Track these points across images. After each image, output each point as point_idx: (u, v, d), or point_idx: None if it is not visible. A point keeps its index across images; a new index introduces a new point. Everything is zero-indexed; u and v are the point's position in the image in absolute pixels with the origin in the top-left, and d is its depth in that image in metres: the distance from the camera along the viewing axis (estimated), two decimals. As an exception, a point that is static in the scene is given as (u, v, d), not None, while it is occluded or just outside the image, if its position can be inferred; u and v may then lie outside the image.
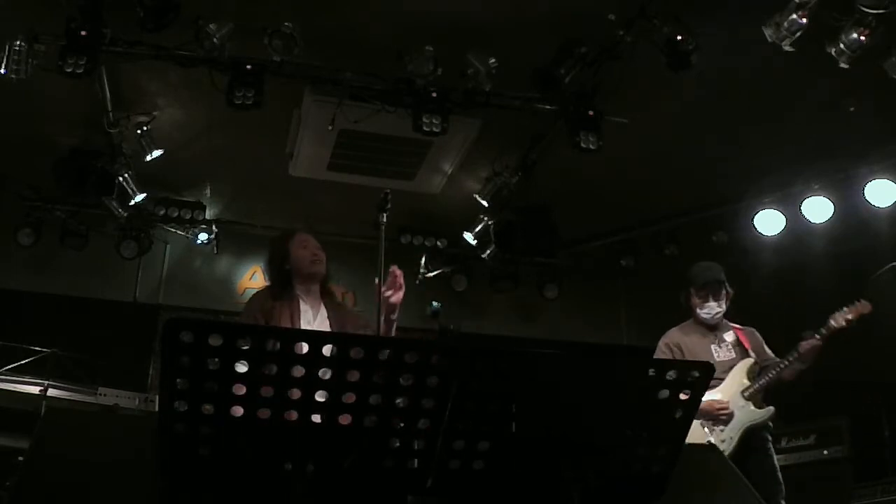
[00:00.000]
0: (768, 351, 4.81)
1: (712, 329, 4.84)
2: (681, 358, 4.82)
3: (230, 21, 5.22)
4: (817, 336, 4.54)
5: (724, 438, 4.56)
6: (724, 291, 4.82)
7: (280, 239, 3.93)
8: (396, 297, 3.50)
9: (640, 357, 9.28)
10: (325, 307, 3.77)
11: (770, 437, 4.68)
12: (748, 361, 4.68)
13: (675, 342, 4.91)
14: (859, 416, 6.64)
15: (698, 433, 4.61)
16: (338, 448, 2.23)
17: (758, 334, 4.86)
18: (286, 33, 5.24)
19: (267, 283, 3.97)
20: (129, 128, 6.48)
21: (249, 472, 2.23)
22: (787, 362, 4.60)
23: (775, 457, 4.67)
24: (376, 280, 3.46)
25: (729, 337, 4.81)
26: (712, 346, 4.81)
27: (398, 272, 3.52)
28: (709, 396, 4.67)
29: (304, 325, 3.65)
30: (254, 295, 3.95)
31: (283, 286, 3.78)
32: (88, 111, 6.38)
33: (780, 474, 4.58)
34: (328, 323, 3.70)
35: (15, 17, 5.23)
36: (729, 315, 4.88)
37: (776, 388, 4.69)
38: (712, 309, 4.79)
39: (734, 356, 4.73)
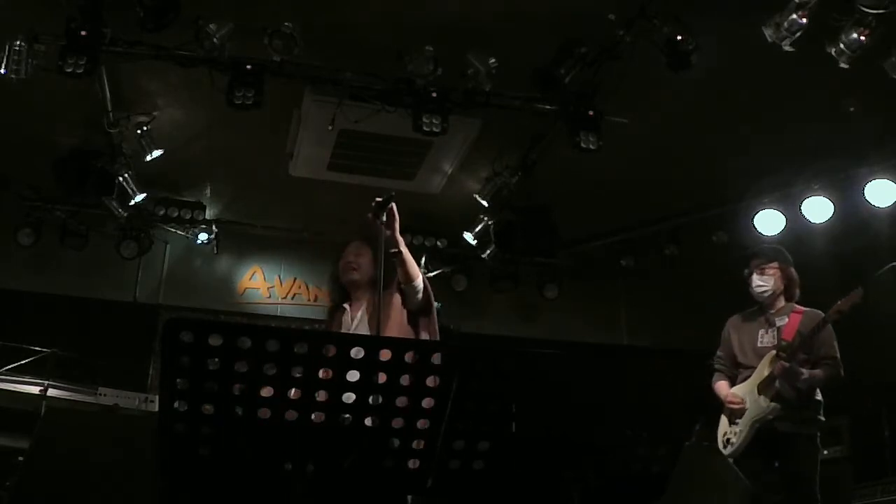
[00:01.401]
0: (823, 337, 4.46)
1: (767, 313, 4.65)
2: (728, 344, 4.76)
3: (230, 21, 5.22)
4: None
5: (736, 432, 4.45)
6: (769, 265, 4.64)
7: (339, 251, 3.98)
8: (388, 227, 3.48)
9: (640, 357, 9.32)
10: (367, 307, 3.73)
11: (807, 445, 4.37)
12: (772, 353, 4.46)
13: (728, 328, 4.80)
14: (859, 416, 6.64)
15: (724, 425, 4.57)
16: (338, 448, 2.23)
17: (821, 316, 4.51)
18: (286, 33, 5.24)
19: None
20: (129, 128, 6.47)
21: (249, 472, 2.23)
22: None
23: (811, 470, 4.35)
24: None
25: (781, 322, 4.57)
26: (760, 332, 4.62)
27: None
28: (735, 389, 4.62)
29: (344, 329, 3.69)
30: None
31: (337, 297, 3.89)
32: (88, 111, 6.37)
33: (815, 488, 4.32)
34: (366, 322, 3.68)
35: (15, 17, 5.23)
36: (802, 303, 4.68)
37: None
38: (754, 282, 4.64)
39: (777, 343, 4.52)
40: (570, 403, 2.30)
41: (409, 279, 3.60)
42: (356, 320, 3.71)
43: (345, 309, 3.77)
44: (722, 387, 4.65)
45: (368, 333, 3.59)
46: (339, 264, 3.86)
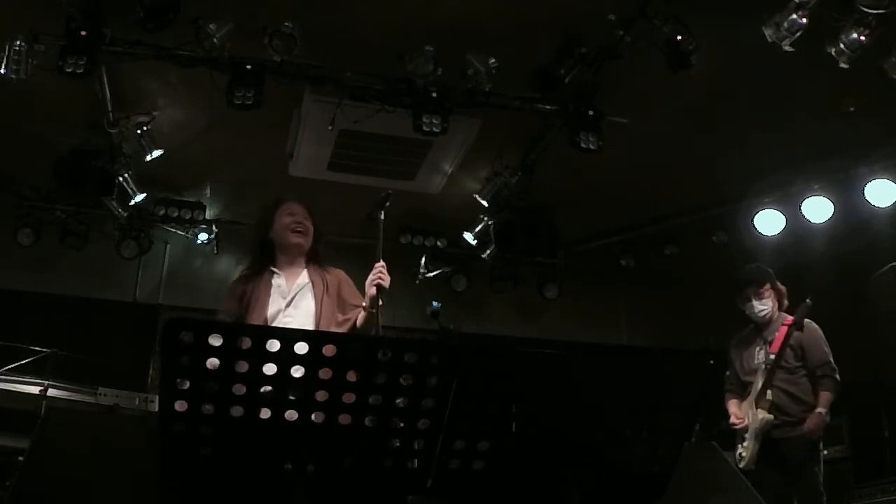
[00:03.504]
0: (810, 345, 4.63)
1: (763, 329, 4.83)
2: (732, 365, 4.96)
3: (230, 21, 5.22)
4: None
5: (745, 447, 4.65)
6: (763, 289, 4.80)
7: (266, 207, 3.80)
8: (372, 288, 3.38)
9: (640, 357, 9.30)
10: (309, 275, 3.61)
11: (808, 448, 4.56)
12: (763, 367, 4.67)
13: (731, 349, 4.99)
14: (859, 416, 6.63)
15: (738, 443, 4.74)
16: (338, 448, 2.23)
17: (807, 329, 4.69)
18: (286, 33, 5.23)
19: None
20: (129, 128, 6.47)
21: (249, 472, 2.23)
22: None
23: (812, 468, 4.56)
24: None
25: (772, 336, 4.76)
26: (756, 349, 4.81)
27: (380, 266, 3.43)
28: (738, 407, 4.75)
29: (275, 298, 3.51)
30: (229, 285, 3.79)
31: (259, 261, 3.68)
32: (88, 111, 6.37)
33: (819, 487, 4.53)
34: (309, 291, 3.55)
35: (15, 17, 5.23)
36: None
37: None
38: (754, 308, 4.82)
39: (767, 358, 4.72)
40: (570, 403, 2.30)
41: (361, 330, 3.49)
42: (297, 287, 3.55)
43: (274, 272, 3.60)
44: (730, 406, 4.88)
45: (313, 305, 3.50)
46: (281, 220, 3.67)
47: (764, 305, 4.80)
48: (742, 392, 4.83)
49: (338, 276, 3.71)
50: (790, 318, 4.77)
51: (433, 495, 2.35)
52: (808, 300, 4.63)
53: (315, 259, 3.73)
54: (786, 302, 4.88)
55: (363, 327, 3.48)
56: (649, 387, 2.38)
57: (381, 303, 3.43)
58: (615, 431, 2.38)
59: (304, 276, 3.62)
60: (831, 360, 4.63)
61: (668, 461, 2.47)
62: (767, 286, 4.84)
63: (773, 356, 4.63)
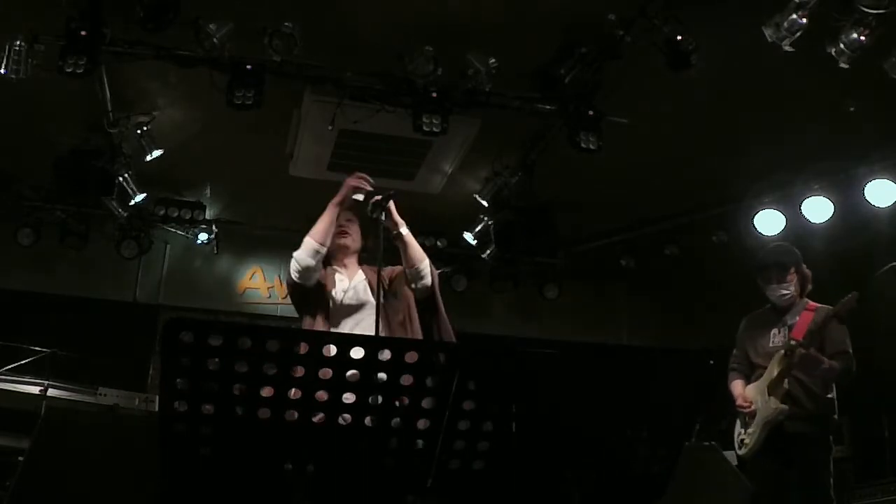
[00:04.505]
0: (833, 335, 4.44)
1: (783, 312, 4.62)
2: (742, 343, 4.75)
3: (230, 21, 5.22)
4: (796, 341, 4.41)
5: (749, 433, 4.44)
6: (787, 273, 4.60)
7: None
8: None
9: (640, 357, 9.32)
10: (364, 273, 3.71)
11: (819, 445, 4.36)
12: (781, 352, 4.44)
13: (742, 327, 4.80)
14: (859, 416, 6.63)
15: (739, 427, 4.56)
16: (338, 448, 2.23)
17: (830, 313, 4.47)
18: (286, 33, 5.23)
19: None
20: (129, 128, 6.47)
21: (249, 473, 2.23)
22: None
23: (823, 470, 4.33)
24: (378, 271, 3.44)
25: (793, 320, 4.53)
26: (772, 332, 4.60)
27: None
28: (747, 390, 4.60)
29: (340, 289, 3.58)
30: None
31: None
32: (88, 111, 6.37)
33: (828, 490, 4.30)
34: (365, 283, 3.63)
35: (15, 17, 5.23)
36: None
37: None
38: (775, 291, 4.61)
39: (786, 342, 4.48)
40: (570, 404, 2.30)
41: (411, 263, 3.57)
42: (357, 281, 3.63)
43: (336, 269, 3.68)
44: (736, 387, 4.63)
45: (372, 299, 3.52)
46: None
47: (786, 290, 4.60)
48: (750, 374, 4.62)
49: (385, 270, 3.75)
50: (812, 303, 4.57)
51: (433, 495, 2.35)
52: (854, 292, 4.36)
53: (367, 262, 3.80)
54: (809, 286, 4.66)
55: (406, 260, 3.56)
56: (649, 387, 2.38)
57: (401, 228, 3.54)
58: (615, 431, 2.38)
59: (360, 274, 3.70)
60: (850, 351, 4.40)
61: (668, 461, 2.47)
62: (792, 270, 4.62)
63: (794, 342, 4.38)
